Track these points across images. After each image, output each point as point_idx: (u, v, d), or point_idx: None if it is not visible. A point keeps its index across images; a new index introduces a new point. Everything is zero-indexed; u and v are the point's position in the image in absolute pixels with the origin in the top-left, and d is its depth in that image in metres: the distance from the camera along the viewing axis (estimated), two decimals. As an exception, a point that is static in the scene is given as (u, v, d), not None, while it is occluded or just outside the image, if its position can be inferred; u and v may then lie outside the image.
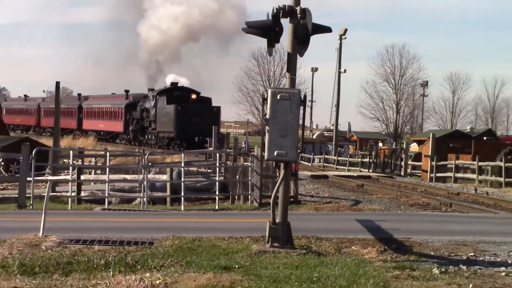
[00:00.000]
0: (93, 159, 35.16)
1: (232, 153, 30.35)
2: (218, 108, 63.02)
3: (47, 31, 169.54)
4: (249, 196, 24.03)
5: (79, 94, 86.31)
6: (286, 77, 13.09)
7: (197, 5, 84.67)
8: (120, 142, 68.77)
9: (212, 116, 55.22)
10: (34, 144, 30.32)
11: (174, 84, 65.65)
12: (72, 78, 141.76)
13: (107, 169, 25.08)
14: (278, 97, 11.97)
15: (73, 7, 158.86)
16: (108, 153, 28.73)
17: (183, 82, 67.47)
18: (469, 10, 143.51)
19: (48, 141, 42.46)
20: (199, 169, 29.39)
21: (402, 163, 48.31)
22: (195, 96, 61.29)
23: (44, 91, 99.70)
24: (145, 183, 22.58)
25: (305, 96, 12.87)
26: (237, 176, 25.55)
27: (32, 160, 21.71)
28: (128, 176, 27.77)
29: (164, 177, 25.89)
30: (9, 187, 25.98)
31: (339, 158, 58.06)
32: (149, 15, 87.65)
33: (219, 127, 55.34)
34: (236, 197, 25.33)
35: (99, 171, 28.93)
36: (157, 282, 9.25)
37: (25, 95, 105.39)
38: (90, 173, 29.42)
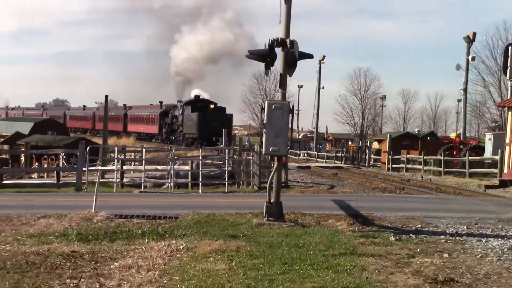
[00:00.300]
0: (133, 154, 35.27)
1: (238, 149, 30.38)
2: (231, 115, 62.80)
3: (98, 56, 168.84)
4: (251, 182, 24.05)
5: (125, 105, 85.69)
6: (278, 92, 13.03)
7: (218, 35, 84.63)
8: (155, 141, 68.28)
9: (226, 121, 54.69)
10: (88, 143, 30.44)
11: (197, 97, 65.15)
12: (117, 92, 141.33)
13: (143, 161, 25.25)
14: (273, 107, 11.97)
15: (117, 39, 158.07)
16: (144, 149, 29.01)
17: (204, 95, 67.03)
18: (417, 40, 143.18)
19: (100, 141, 42.33)
20: (212, 161, 29.44)
21: (366, 157, 48.52)
22: (213, 106, 60.89)
23: (96, 102, 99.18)
24: (172, 172, 22.66)
25: (293, 106, 12.88)
26: (242, 166, 25.51)
27: (87, 154, 21.88)
28: (159, 167, 27.83)
29: (186, 167, 25.91)
30: (69, 175, 26.06)
31: (318, 153, 57.91)
32: (179, 43, 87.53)
33: (231, 130, 55.02)
34: (241, 182, 25.28)
35: (137, 163, 28.97)
36: (181, 247, 9.22)
37: (84, 105, 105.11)
38: (130, 164, 29.45)
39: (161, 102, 73.67)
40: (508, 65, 36.68)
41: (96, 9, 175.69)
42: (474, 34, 42.43)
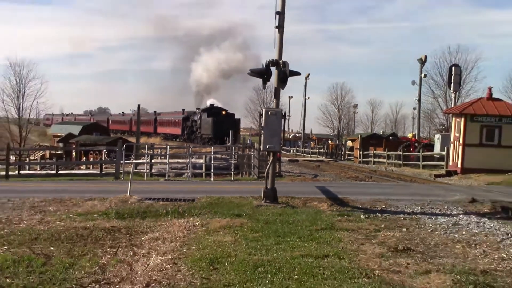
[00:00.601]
0: (159, 150, 35.25)
1: (242, 146, 30.35)
2: (239, 119, 62.43)
3: (132, 73, 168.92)
4: (252, 172, 23.97)
5: (155, 111, 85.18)
6: (273, 101, 12.94)
7: (231, 55, 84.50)
8: (178, 141, 67.60)
9: (234, 125, 54.23)
10: (125, 141, 30.62)
11: (211, 105, 64.37)
12: (148, 101, 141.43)
13: (167, 155, 25.31)
14: (269, 114, 11.97)
15: (148, 60, 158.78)
16: (168, 146, 29.04)
17: (217, 103, 66.47)
18: (382, 61, 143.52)
19: (134, 140, 42.42)
20: (222, 156, 29.40)
21: (342, 152, 48.50)
22: (224, 112, 60.20)
23: (130, 110, 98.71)
24: (189, 164, 22.66)
25: (285, 113, 12.86)
26: (244, 160, 25.50)
27: (123, 150, 21.96)
28: (180, 160, 27.73)
29: (201, 160, 25.85)
30: (109, 167, 26.08)
31: (305, 150, 57.83)
32: (198, 62, 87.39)
33: (239, 131, 54.91)
34: (244, 172, 25.26)
35: (163, 157, 28.98)
36: (197, 223, 9.24)
37: (123, 112, 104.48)
38: (157, 158, 29.44)
39: (183, 109, 73.21)
40: (452, 81, 37.43)
41: (130, 37, 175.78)
42: (426, 56, 42.66)
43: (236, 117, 62.28)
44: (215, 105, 64.30)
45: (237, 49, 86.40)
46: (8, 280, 5.63)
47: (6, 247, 7.17)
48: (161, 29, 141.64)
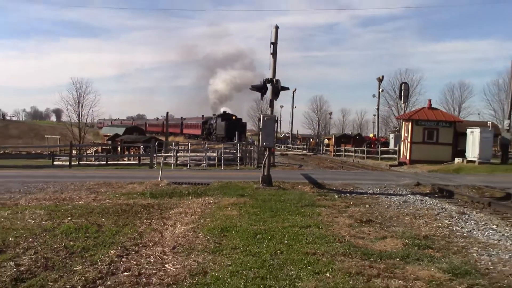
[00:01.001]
0: (183, 146, 35.11)
1: (245, 143, 30.29)
2: (245, 123, 61.42)
3: (163, 88, 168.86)
4: (252, 163, 24.01)
5: (181, 117, 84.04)
6: (269, 110, 12.93)
7: (243, 73, 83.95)
8: (198, 139, 67.00)
9: (242, 127, 53.27)
10: (157, 140, 30.42)
11: (224, 112, 63.51)
12: (175, 109, 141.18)
13: (189, 150, 25.28)
14: (265, 119, 11.94)
15: (175, 78, 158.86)
16: (189, 143, 28.93)
17: (229, 110, 65.80)
18: (352, 79, 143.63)
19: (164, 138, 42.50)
20: (230, 151, 29.34)
21: (321, 148, 48.45)
22: (234, 117, 59.27)
23: (161, 116, 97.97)
24: (205, 157, 22.72)
25: (277, 118, 12.99)
26: (247, 154, 25.54)
27: (156, 146, 21.93)
28: (198, 154, 27.63)
29: (214, 154, 25.80)
30: (145, 159, 26.03)
31: (293, 146, 57.69)
32: (215, 78, 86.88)
33: (245, 132, 54.36)
34: (247, 163, 25.27)
35: (185, 151, 28.94)
36: (211, 201, 9.20)
37: (157, 117, 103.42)
38: (181, 152, 29.42)
39: (202, 115, 72.47)
40: (402, 94, 37.64)
41: (161, 61, 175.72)
42: (383, 76, 42.94)
43: (243, 121, 61.85)
44: (227, 112, 63.90)
45: (247, 69, 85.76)
46: (71, 243, 5.63)
47: (69, 218, 7.17)
48: (184, 55, 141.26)
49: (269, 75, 11.94)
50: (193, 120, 75.25)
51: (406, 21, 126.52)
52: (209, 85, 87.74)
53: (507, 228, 7.28)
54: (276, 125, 12.57)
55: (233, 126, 54.52)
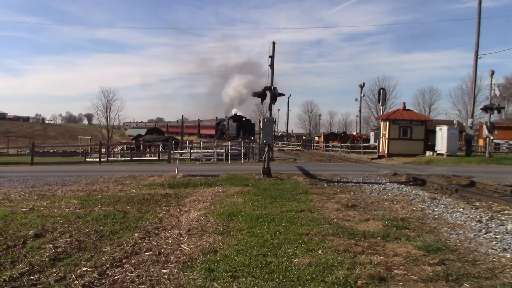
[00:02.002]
0: (197, 144, 35.03)
1: (248, 141, 30.18)
2: (254, 124, 58.77)
3: (181, 96, 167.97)
4: (254, 157, 23.98)
5: (198, 119, 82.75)
6: (268, 113, 12.83)
7: (254, 80, 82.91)
8: (213, 139, 66.44)
9: (251, 128, 52.44)
10: (174, 139, 30.43)
11: (235, 114, 61.89)
12: (192, 112, 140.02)
13: (201, 147, 25.22)
14: (265, 120, 11.92)
15: (191, 86, 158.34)
16: (201, 142, 28.86)
17: (239, 112, 64.63)
18: (337, 86, 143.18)
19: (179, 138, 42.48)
20: (235, 147, 29.26)
21: (312, 144, 48.35)
22: (244, 119, 57.70)
23: (179, 119, 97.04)
24: (215, 153, 22.70)
25: (275, 120, 12.91)
26: (250, 149, 25.50)
27: (173, 144, 21.89)
28: (209, 150, 27.63)
29: (222, 150, 25.82)
30: (164, 155, 26.03)
31: (288, 143, 57.62)
32: (228, 84, 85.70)
33: (254, 132, 52.45)
34: (250, 158, 25.25)
35: (198, 148, 28.92)
36: (220, 190, 9.15)
37: (177, 120, 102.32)
38: (195, 149, 29.41)
39: (216, 117, 70.83)
40: (380, 98, 37.40)
41: (179, 72, 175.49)
42: (364, 83, 42.70)
43: (252, 122, 61.36)
44: (238, 114, 63.45)
45: (259, 76, 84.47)
46: (101, 227, 5.60)
47: (99, 206, 7.14)
48: (200, 66, 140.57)
49: (268, 83, 11.90)
50: (208, 121, 74.66)
51: (381, 36, 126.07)
52: (224, 88, 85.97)
53: (471, 210, 7.23)
54: (274, 125, 12.53)
55: (243, 126, 53.88)
